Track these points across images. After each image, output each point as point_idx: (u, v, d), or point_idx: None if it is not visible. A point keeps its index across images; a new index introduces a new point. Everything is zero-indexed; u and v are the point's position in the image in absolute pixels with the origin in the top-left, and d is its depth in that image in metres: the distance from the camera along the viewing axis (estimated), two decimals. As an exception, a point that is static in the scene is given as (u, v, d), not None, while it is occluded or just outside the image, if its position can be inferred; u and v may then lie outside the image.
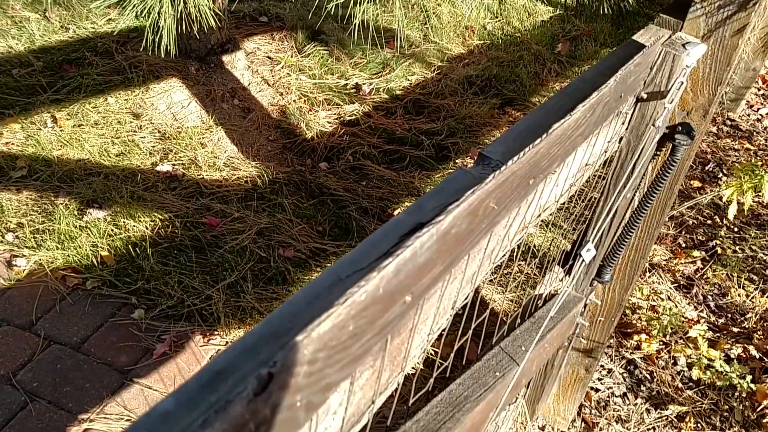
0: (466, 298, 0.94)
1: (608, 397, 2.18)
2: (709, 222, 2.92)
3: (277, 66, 3.58)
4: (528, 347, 1.25)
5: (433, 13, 4.26)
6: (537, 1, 4.75)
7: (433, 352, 2.12)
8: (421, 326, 0.81)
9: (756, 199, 2.90)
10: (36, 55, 3.14)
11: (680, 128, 1.36)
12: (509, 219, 0.94)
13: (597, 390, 2.20)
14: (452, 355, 0.98)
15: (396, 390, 0.85)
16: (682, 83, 1.27)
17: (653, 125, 1.31)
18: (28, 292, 2.12)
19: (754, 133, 3.74)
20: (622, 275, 1.66)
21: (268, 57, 3.67)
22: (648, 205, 1.45)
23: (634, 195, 1.52)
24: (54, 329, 2.03)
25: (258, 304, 2.16)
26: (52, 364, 1.94)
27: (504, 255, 1.03)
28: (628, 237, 1.50)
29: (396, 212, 2.84)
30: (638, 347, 2.26)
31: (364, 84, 3.55)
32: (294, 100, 3.36)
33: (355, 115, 3.31)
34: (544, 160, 0.89)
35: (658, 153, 1.47)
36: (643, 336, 2.27)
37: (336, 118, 3.30)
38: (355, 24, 1.61)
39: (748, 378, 2.05)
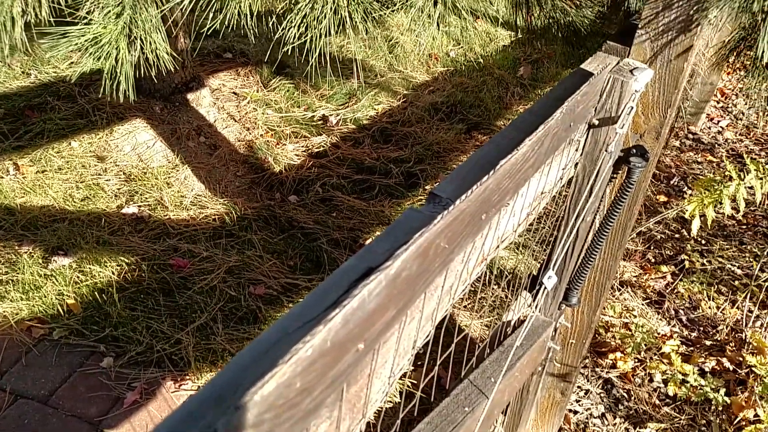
0: (427, 336, 0.94)
1: (587, 418, 2.18)
2: (676, 236, 2.96)
3: (243, 101, 3.58)
4: (497, 378, 1.24)
5: (396, 42, 4.32)
6: (498, 27, 4.84)
7: (410, 384, 2.10)
8: (381, 370, 0.80)
9: (719, 212, 2.97)
10: (-4, 102, 3.10)
11: (634, 151, 1.38)
12: (465, 254, 0.94)
13: (575, 412, 2.20)
14: (418, 393, 0.98)
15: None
16: (632, 108, 1.29)
17: (606, 150, 1.33)
18: (-8, 346, 2.06)
19: (716, 145, 3.83)
20: (590, 297, 1.68)
21: (234, 93, 3.68)
22: (608, 226, 1.46)
23: (594, 217, 1.53)
24: (20, 383, 1.97)
25: (229, 345, 2.13)
26: (18, 420, 1.88)
27: (465, 289, 1.03)
28: (592, 259, 1.52)
29: (367, 242, 2.84)
30: (614, 366, 2.27)
31: (330, 115, 3.57)
32: (261, 135, 3.36)
33: (323, 146, 3.32)
34: (494, 195, 0.90)
35: (615, 176, 1.50)
36: (618, 354, 2.28)
37: (304, 151, 3.31)
38: (315, 58, 1.62)
39: (722, 391, 2.07)
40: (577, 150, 1.39)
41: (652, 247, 2.89)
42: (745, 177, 2.02)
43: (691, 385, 2.13)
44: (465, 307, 2.53)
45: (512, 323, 1.59)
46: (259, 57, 3.90)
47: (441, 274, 0.84)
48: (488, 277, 2.63)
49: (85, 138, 2.94)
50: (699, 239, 2.94)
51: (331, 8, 1.71)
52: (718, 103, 4.36)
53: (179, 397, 1.96)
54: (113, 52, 1.69)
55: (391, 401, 2.06)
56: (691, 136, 3.93)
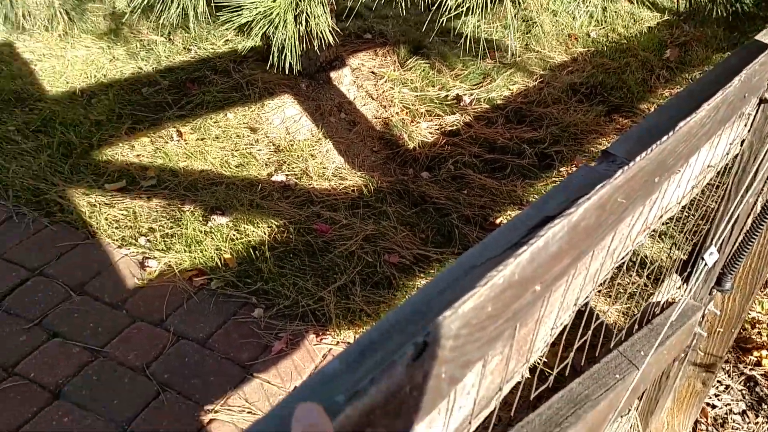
0: (587, 297, 0.96)
1: (726, 414, 2.08)
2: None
3: (381, 80, 3.69)
4: (647, 352, 1.23)
5: (534, 22, 4.24)
6: (642, 7, 4.61)
7: (541, 362, 2.11)
8: (546, 319, 0.84)
9: None
10: (162, 75, 3.42)
11: (811, 129, 1.30)
12: (633, 218, 0.95)
13: (714, 406, 2.10)
14: (572, 354, 1.00)
15: (519, 383, 0.89)
16: (813, 82, 1.22)
17: (779, 126, 1.27)
18: (159, 291, 2.31)
19: None
20: (743, 284, 1.60)
21: (372, 72, 3.80)
22: (771, 210, 1.39)
23: (757, 200, 1.46)
24: (182, 326, 2.20)
25: (366, 306, 2.25)
26: (180, 358, 2.11)
27: (625, 255, 1.04)
28: (750, 243, 1.45)
29: (498, 220, 2.85)
30: (758, 363, 2.14)
31: (464, 95, 3.59)
32: (396, 113, 3.45)
33: (456, 125, 3.36)
34: (670, 158, 0.90)
35: (785, 156, 1.41)
36: (764, 352, 2.14)
37: (437, 129, 3.36)
38: (464, 36, 1.67)
39: None
40: (746, 125, 1.33)
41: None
42: None
43: None
44: (599, 292, 2.48)
45: (661, 305, 1.56)
46: (397, 37, 3.99)
47: (610, 233, 0.86)
48: (625, 263, 2.55)
49: (239, 110, 3.18)
50: None
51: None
52: None
53: (321, 350, 2.10)
54: (281, 24, 1.83)
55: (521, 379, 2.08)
56: None
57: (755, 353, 2.18)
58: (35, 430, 1.89)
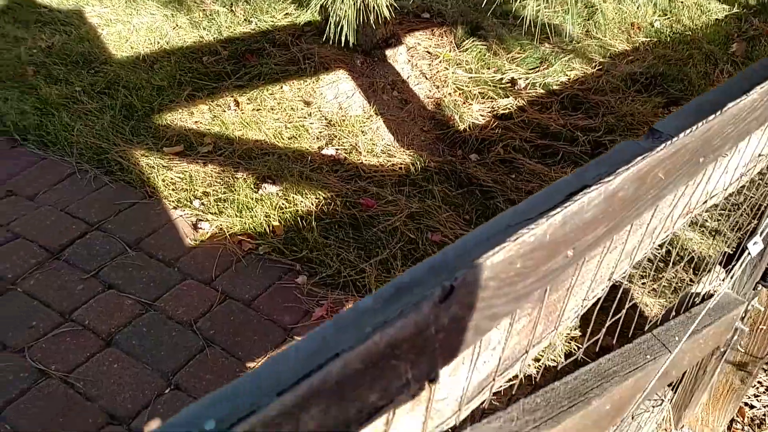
0: (623, 273, 0.97)
1: (765, 415, 2.04)
2: None
3: (436, 60, 3.69)
4: (682, 338, 1.23)
5: (597, 9, 4.15)
6: (715, 1, 4.45)
7: (576, 347, 2.11)
8: (578, 288, 0.86)
9: None
10: (223, 45, 3.51)
11: None
12: (675, 197, 0.95)
13: (752, 406, 2.07)
14: (604, 331, 1.01)
15: (546, 349, 0.91)
16: None
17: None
18: (210, 252, 2.41)
19: None
20: (793, 280, 1.56)
21: (428, 51, 3.80)
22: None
23: (814, 195, 1.42)
24: (230, 286, 2.29)
25: (406, 281, 2.28)
26: (226, 316, 2.20)
27: (666, 236, 1.04)
28: (803, 239, 1.42)
29: (545, 207, 2.83)
30: (806, 367, 2.09)
31: (520, 78, 3.56)
32: (449, 93, 3.45)
33: (509, 109, 3.34)
34: (716, 138, 0.89)
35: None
36: (814, 355, 2.08)
37: (489, 112, 3.35)
38: (524, 17, 1.66)
39: None
40: (804, 117, 1.30)
41: None
42: None
43: None
44: (645, 285, 2.45)
45: (701, 295, 1.54)
46: (455, 18, 3.97)
47: (650, 209, 0.86)
48: (674, 258, 2.51)
49: (295, 83, 3.24)
50: None
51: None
52: None
53: (359, 319, 2.15)
54: (339, -3, 1.86)
55: (555, 361, 2.09)
56: None
57: (801, 357, 2.13)
58: (87, 373, 2.01)
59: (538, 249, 0.67)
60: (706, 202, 1.10)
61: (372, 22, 1.82)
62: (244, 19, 3.76)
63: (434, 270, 0.60)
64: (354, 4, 1.78)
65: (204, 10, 3.84)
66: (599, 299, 0.95)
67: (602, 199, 0.71)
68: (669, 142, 0.78)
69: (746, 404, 2.06)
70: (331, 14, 1.82)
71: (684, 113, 0.88)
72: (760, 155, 1.20)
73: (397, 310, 0.55)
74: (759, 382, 2.11)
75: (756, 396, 2.08)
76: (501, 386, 0.82)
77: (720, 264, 1.60)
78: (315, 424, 0.50)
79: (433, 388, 0.67)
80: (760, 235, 1.29)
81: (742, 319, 1.65)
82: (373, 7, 1.80)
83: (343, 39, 1.80)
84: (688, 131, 0.80)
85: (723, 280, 1.57)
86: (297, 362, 0.49)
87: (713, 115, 0.84)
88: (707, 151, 0.89)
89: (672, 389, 1.88)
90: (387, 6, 1.79)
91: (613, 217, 0.77)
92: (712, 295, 1.58)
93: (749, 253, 1.28)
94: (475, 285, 0.60)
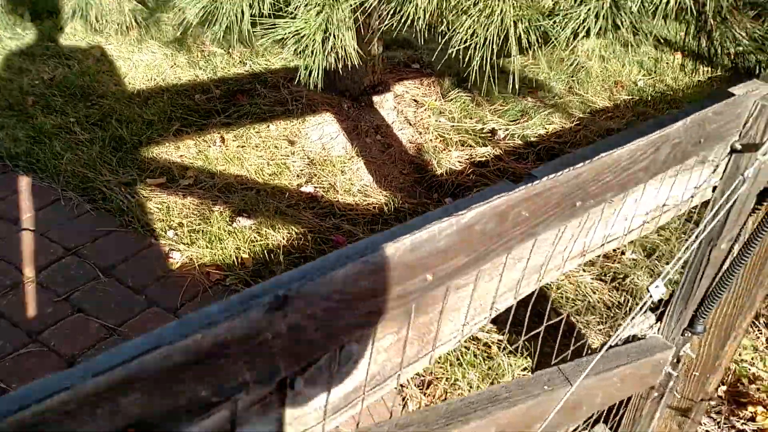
0: (506, 304, 1.03)
1: (711, 466, 2.06)
2: None
3: (421, 108, 3.83)
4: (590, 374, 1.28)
5: (582, 66, 4.30)
6: (697, 61, 4.59)
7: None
8: (453, 314, 0.92)
9: None
10: (216, 84, 3.67)
11: (782, 182, 1.34)
12: (556, 237, 1.02)
13: (700, 458, 2.08)
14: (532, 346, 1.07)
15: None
16: (776, 134, 1.27)
17: (742, 175, 1.31)
18: (177, 282, 2.48)
19: None
20: (718, 329, 1.62)
21: (414, 100, 3.94)
22: (743, 258, 1.42)
23: (732, 246, 1.49)
24: (193, 314, 2.35)
25: (366, 317, 2.34)
26: (187, 343, 2.25)
27: (558, 273, 1.11)
28: (723, 289, 1.48)
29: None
30: (752, 419, 2.11)
31: (500, 129, 3.68)
32: (431, 140, 3.57)
33: (486, 157, 3.44)
34: (591, 185, 0.97)
35: (759, 207, 1.45)
36: (760, 408, 2.11)
37: (467, 159, 3.45)
38: (488, 70, 1.79)
39: None
40: (715, 172, 1.38)
41: (831, 310, 2.60)
42: None
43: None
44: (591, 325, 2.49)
45: (629, 339, 1.60)
46: (443, 69, 4.13)
47: (523, 245, 0.94)
48: (627, 301, 2.56)
49: (281, 123, 3.37)
50: None
51: (498, 17, 1.86)
52: None
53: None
54: (310, 44, 1.99)
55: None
56: None
57: (750, 408, 2.15)
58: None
59: (389, 269, 0.74)
60: (603, 245, 1.17)
61: (340, 68, 1.94)
62: (240, 61, 3.93)
63: (277, 282, 0.68)
64: (322, 51, 1.90)
65: (203, 51, 4.02)
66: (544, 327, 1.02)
67: (455, 230, 0.79)
68: (530, 184, 0.86)
69: (692, 455, 2.08)
70: (302, 60, 1.95)
71: (563, 161, 0.96)
72: (664, 205, 1.27)
73: (234, 314, 0.62)
74: (707, 431, 2.13)
75: (702, 447, 2.10)
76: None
77: (651, 309, 1.66)
78: (138, 408, 0.57)
79: (289, 393, 0.74)
80: (662, 279, 1.36)
81: (675, 365, 1.70)
82: (341, 55, 1.92)
83: (311, 84, 1.93)
84: (552, 175, 0.88)
85: (651, 327, 1.63)
86: (126, 351, 0.56)
87: (582, 163, 0.92)
88: (583, 195, 0.97)
89: (611, 431, 1.91)
90: (356, 55, 1.92)
91: (475, 248, 0.84)
92: (642, 338, 1.64)
93: (650, 296, 1.34)
94: (315, 296, 0.68)
